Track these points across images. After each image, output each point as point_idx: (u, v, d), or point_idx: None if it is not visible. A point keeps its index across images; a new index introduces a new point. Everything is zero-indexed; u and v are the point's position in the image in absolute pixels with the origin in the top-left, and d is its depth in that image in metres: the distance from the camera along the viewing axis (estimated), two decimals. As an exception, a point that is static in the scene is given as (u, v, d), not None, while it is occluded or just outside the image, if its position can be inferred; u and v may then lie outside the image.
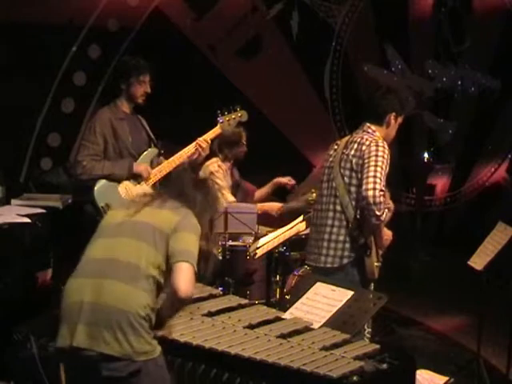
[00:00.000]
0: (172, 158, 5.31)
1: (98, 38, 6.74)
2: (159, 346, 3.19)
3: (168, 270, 3.21)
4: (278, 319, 3.73)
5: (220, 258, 5.62)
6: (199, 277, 3.32)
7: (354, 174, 4.50)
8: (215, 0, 7.45)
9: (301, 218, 5.57)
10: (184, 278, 3.13)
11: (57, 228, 5.25)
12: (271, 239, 5.67)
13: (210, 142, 5.38)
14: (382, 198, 4.33)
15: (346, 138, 4.71)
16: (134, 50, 6.61)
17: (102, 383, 3.13)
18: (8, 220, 4.92)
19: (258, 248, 5.70)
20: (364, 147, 4.50)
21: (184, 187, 3.43)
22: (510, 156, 9.35)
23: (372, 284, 4.64)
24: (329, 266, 4.56)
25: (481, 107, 9.23)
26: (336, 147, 4.71)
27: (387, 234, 4.65)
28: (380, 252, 4.65)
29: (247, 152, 6.15)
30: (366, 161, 4.43)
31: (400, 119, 4.68)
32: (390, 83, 8.85)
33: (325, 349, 3.35)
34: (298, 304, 3.87)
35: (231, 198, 5.96)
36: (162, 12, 7.12)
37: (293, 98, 8.03)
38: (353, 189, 4.49)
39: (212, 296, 3.99)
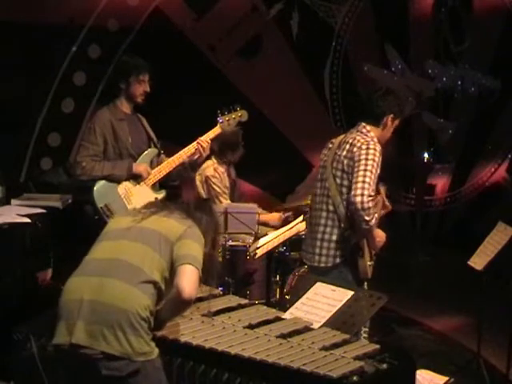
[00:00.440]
0: (172, 158, 5.31)
1: (98, 38, 6.73)
2: (157, 348, 3.20)
3: (171, 278, 3.22)
4: (278, 319, 3.73)
5: (220, 259, 5.63)
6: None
7: (345, 175, 4.53)
8: (215, 0, 7.45)
9: (301, 218, 5.58)
10: (188, 280, 3.15)
11: (57, 228, 5.25)
12: (271, 239, 5.67)
13: (210, 141, 5.38)
14: (370, 204, 4.37)
15: (340, 138, 4.72)
16: (134, 49, 6.60)
17: (99, 382, 3.13)
18: (8, 220, 4.92)
19: (257, 248, 5.70)
20: (355, 149, 4.52)
21: (188, 209, 3.44)
22: (510, 156, 9.35)
23: (365, 283, 4.65)
24: (322, 265, 4.61)
25: (481, 107, 9.23)
26: (330, 146, 4.72)
27: (380, 236, 4.66)
28: (373, 251, 4.67)
29: (247, 152, 6.14)
30: (357, 164, 4.46)
31: (397, 121, 4.69)
32: (390, 83, 8.86)
33: (325, 349, 3.35)
34: (298, 304, 3.87)
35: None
36: (162, 12, 7.11)
37: (293, 98, 8.03)
38: (344, 190, 4.51)
39: (212, 296, 3.99)
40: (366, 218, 4.38)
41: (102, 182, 5.13)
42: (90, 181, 5.13)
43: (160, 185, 5.34)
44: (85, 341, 3.08)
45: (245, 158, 6.14)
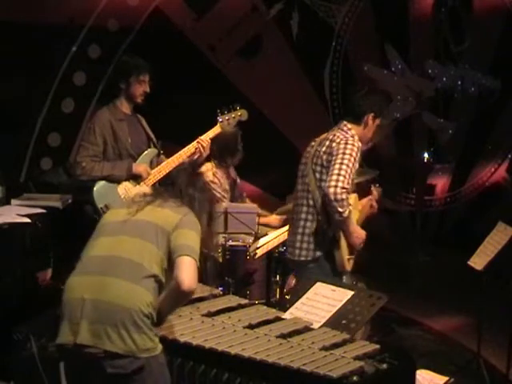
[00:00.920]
0: (171, 158, 5.30)
1: (98, 38, 6.73)
2: (160, 344, 3.20)
3: (170, 268, 3.22)
4: (278, 319, 3.73)
5: (220, 260, 5.63)
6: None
7: (324, 170, 4.59)
8: (215, 0, 7.44)
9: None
10: (187, 272, 3.15)
11: (57, 228, 5.25)
12: (271, 239, 5.68)
13: (210, 141, 5.38)
14: (344, 195, 4.41)
15: (323, 136, 4.78)
16: (134, 49, 6.60)
17: (105, 380, 3.14)
18: (8, 220, 4.92)
19: (258, 248, 5.71)
20: (334, 144, 4.60)
21: (181, 188, 3.45)
22: (510, 156, 9.35)
23: (344, 277, 4.68)
24: (302, 258, 4.69)
25: (481, 107, 9.22)
26: (313, 144, 4.80)
27: (357, 232, 4.69)
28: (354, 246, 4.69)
29: (247, 152, 6.14)
30: (334, 158, 4.54)
31: (378, 121, 4.77)
32: (390, 83, 8.87)
33: (325, 349, 3.35)
34: (298, 304, 3.88)
35: None
36: (162, 12, 7.11)
37: (293, 98, 8.03)
38: (323, 184, 4.57)
39: (212, 296, 3.99)
40: (339, 210, 4.43)
41: (101, 183, 5.13)
42: (89, 181, 5.13)
43: (160, 185, 5.33)
44: (89, 340, 3.09)
45: (245, 158, 6.13)
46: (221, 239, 5.68)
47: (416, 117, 9.08)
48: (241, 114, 5.48)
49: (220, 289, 4.89)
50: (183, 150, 5.32)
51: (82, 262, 3.28)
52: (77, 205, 5.36)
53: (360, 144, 4.65)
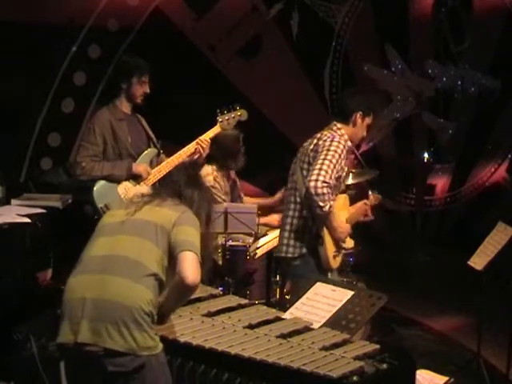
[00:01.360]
0: (171, 158, 5.30)
1: (98, 38, 6.73)
2: (161, 343, 3.21)
3: (170, 266, 3.23)
4: (278, 319, 3.73)
5: (220, 262, 5.63)
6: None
7: (310, 168, 4.61)
8: (215, 0, 7.44)
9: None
10: (190, 266, 3.16)
11: (57, 228, 5.25)
12: (271, 239, 5.68)
13: (209, 141, 5.37)
14: (325, 190, 4.42)
15: (314, 135, 4.81)
16: (134, 49, 6.60)
17: (106, 378, 3.15)
18: (8, 220, 4.91)
19: (258, 248, 5.71)
20: (320, 142, 4.65)
21: (180, 186, 3.46)
22: (510, 156, 9.35)
23: (329, 274, 4.68)
24: (290, 255, 4.72)
25: (481, 107, 9.23)
26: (305, 144, 4.82)
27: (342, 227, 4.69)
28: (340, 242, 4.70)
29: (247, 152, 6.13)
30: (318, 154, 4.58)
31: (368, 120, 4.80)
32: (390, 83, 8.87)
33: (325, 349, 3.35)
34: (298, 304, 3.88)
35: None
36: (162, 12, 7.11)
37: (293, 98, 8.03)
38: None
39: (212, 296, 3.99)
40: (320, 204, 4.44)
41: (101, 182, 5.13)
42: (89, 181, 5.13)
43: (159, 184, 5.33)
44: (89, 338, 3.10)
45: (245, 158, 6.13)
46: (221, 239, 5.68)
47: (416, 117, 9.08)
48: (240, 113, 5.47)
49: (220, 289, 4.89)
50: (183, 149, 5.32)
51: (81, 263, 3.29)
52: (77, 205, 5.36)
53: (349, 143, 4.72)
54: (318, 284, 3.97)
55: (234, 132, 5.84)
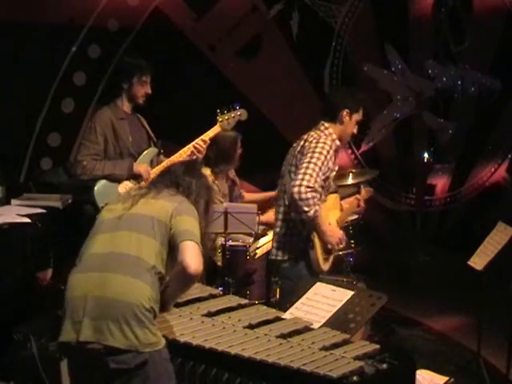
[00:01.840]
0: (171, 158, 5.29)
1: (98, 38, 6.73)
2: (163, 339, 3.21)
3: (171, 258, 3.24)
4: (278, 319, 3.73)
5: (218, 262, 5.63)
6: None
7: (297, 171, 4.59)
8: (215, 0, 7.44)
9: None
10: (191, 255, 3.16)
11: (57, 228, 5.25)
12: (271, 239, 5.67)
13: (208, 141, 5.35)
14: (309, 195, 4.40)
15: (301, 137, 4.79)
16: (134, 49, 6.60)
17: (109, 376, 3.15)
18: (8, 220, 4.91)
19: (257, 248, 5.71)
20: (306, 143, 4.62)
21: (177, 176, 3.46)
22: (510, 156, 9.34)
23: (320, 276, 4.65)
24: (279, 258, 4.72)
25: (481, 107, 9.22)
26: (295, 145, 4.80)
27: (331, 231, 4.65)
28: (330, 246, 4.67)
29: (247, 151, 6.13)
30: (304, 157, 4.55)
31: (357, 116, 4.75)
32: (390, 83, 8.86)
33: (325, 349, 3.35)
34: (298, 304, 3.88)
35: None
36: (162, 12, 7.11)
37: (292, 98, 8.03)
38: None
39: (212, 296, 3.99)
40: (305, 209, 4.42)
41: (102, 182, 5.13)
42: (90, 180, 5.13)
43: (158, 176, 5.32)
44: (91, 336, 3.10)
45: (245, 158, 6.13)
46: (221, 239, 5.68)
47: (416, 117, 9.08)
48: (240, 113, 5.46)
49: (220, 289, 4.89)
50: (183, 149, 5.31)
51: (81, 261, 3.30)
52: (77, 205, 5.36)
53: (337, 142, 4.67)
54: (318, 284, 3.97)
55: (233, 134, 5.83)
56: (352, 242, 6.22)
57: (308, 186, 4.40)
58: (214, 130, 5.40)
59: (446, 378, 4.97)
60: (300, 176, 4.44)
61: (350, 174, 6.08)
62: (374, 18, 8.58)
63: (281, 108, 7.90)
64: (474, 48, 9.04)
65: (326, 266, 4.70)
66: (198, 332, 3.46)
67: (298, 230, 4.63)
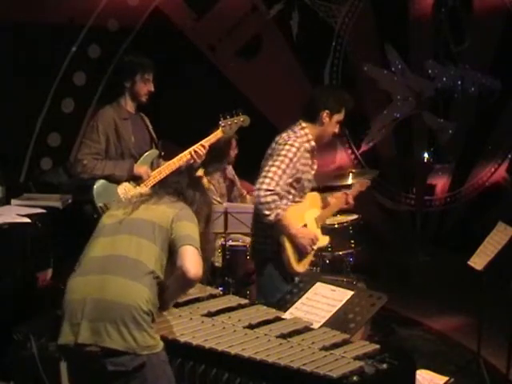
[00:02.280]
0: (172, 161, 5.27)
1: (98, 38, 6.73)
2: (162, 342, 3.21)
3: (170, 263, 3.24)
4: (278, 319, 3.73)
5: (220, 262, 5.63)
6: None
7: None
8: (215, 0, 7.44)
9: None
10: (191, 260, 3.17)
11: (57, 228, 5.25)
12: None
13: (208, 147, 5.31)
14: (269, 198, 4.40)
15: (275, 139, 4.78)
16: (134, 49, 6.60)
17: (107, 378, 3.15)
18: (8, 220, 4.92)
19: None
20: (275, 145, 4.61)
21: (181, 188, 3.47)
22: (510, 156, 9.35)
23: (296, 279, 4.60)
24: (255, 260, 4.77)
25: (481, 107, 9.23)
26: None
27: (301, 233, 4.61)
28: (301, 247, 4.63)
29: (247, 151, 6.13)
30: (269, 159, 4.54)
31: (338, 116, 4.69)
32: (390, 83, 8.87)
33: (325, 349, 3.35)
34: (297, 304, 3.88)
35: None
36: (162, 12, 7.11)
37: (292, 98, 8.02)
38: None
39: (212, 296, 3.99)
40: (265, 212, 4.42)
41: (102, 181, 5.12)
42: (90, 179, 5.11)
43: (160, 186, 5.31)
44: (89, 339, 3.11)
45: (245, 158, 6.13)
46: (221, 239, 5.68)
47: (416, 117, 9.08)
48: (243, 120, 5.38)
49: (220, 289, 4.89)
50: (183, 153, 5.27)
51: (81, 264, 3.30)
52: (77, 205, 5.35)
53: (312, 143, 4.63)
54: (318, 284, 3.97)
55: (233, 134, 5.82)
56: (352, 242, 6.23)
57: (268, 190, 4.39)
58: (216, 136, 5.34)
59: (445, 378, 4.97)
60: (261, 179, 4.44)
61: (350, 174, 6.07)
62: (374, 18, 8.58)
63: (280, 108, 7.90)
64: (474, 48, 9.05)
65: (300, 267, 4.65)
66: (197, 332, 3.46)
67: (268, 232, 4.60)
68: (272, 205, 4.40)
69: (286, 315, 3.79)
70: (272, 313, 3.81)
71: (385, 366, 3.24)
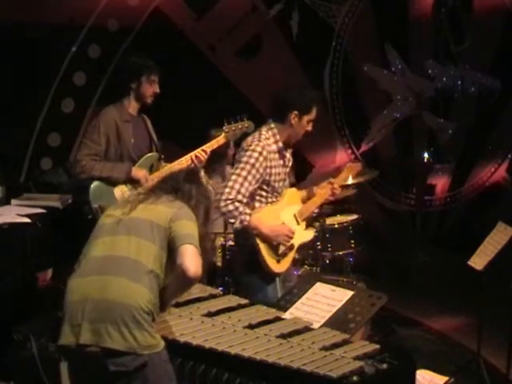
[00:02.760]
0: (172, 164, 5.25)
1: (98, 38, 6.73)
2: (163, 341, 3.22)
3: (170, 262, 3.25)
4: (278, 319, 3.73)
5: (220, 262, 5.62)
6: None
7: None
8: (215, 0, 7.44)
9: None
10: (191, 259, 3.18)
11: (57, 228, 5.24)
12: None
13: (209, 152, 5.30)
14: (230, 207, 4.42)
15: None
16: (134, 49, 6.60)
17: (108, 378, 3.15)
18: (8, 220, 4.92)
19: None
20: (240, 150, 4.61)
21: (178, 182, 3.47)
22: (510, 156, 9.35)
23: (277, 279, 4.62)
24: (237, 262, 4.80)
25: (481, 107, 9.22)
26: None
27: (275, 230, 4.57)
28: (283, 248, 4.62)
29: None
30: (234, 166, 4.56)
31: (308, 117, 4.65)
32: (390, 83, 8.86)
33: (325, 349, 3.35)
34: (297, 304, 3.88)
35: None
36: (162, 12, 7.11)
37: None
38: None
39: (212, 296, 3.99)
40: (231, 221, 4.48)
41: (97, 183, 5.11)
42: (88, 179, 5.11)
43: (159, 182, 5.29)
44: (90, 339, 3.11)
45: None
46: (221, 239, 5.68)
47: (416, 117, 9.08)
48: (248, 125, 5.30)
49: (220, 289, 4.89)
50: (184, 157, 5.26)
51: (81, 264, 3.30)
52: (76, 205, 5.35)
53: (280, 144, 4.61)
54: (318, 284, 3.98)
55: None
56: (352, 241, 6.23)
57: (228, 199, 4.41)
58: (218, 141, 5.31)
59: (445, 378, 4.97)
60: (222, 190, 4.46)
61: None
62: (374, 18, 8.58)
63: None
64: (474, 48, 9.05)
65: (281, 267, 4.63)
66: (197, 332, 3.46)
67: (243, 236, 4.62)
68: (235, 212, 4.42)
69: (286, 315, 3.80)
70: (272, 313, 3.81)
71: (385, 365, 3.24)
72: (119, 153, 5.18)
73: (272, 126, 4.65)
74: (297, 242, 4.72)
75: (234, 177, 4.48)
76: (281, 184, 4.69)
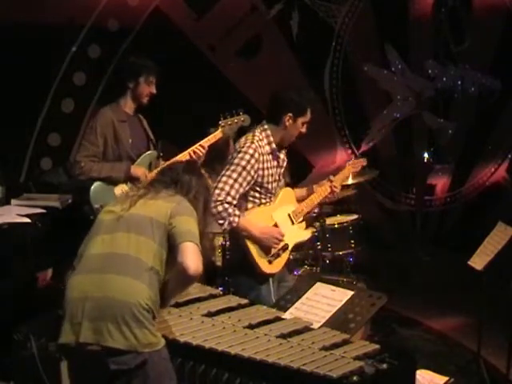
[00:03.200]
0: (170, 162, 5.24)
1: (98, 38, 6.73)
2: (163, 339, 3.22)
3: (170, 258, 3.25)
4: (278, 319, 3.74)
5: (219, 261, 5.62)
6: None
7: None
8: (215, 0, 7.44)
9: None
10: (191, 256, 3.18)
11: (57, 228, 5.24)
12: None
13: (207, 147, 5.31)
14: (219, 208, 4.42)
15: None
16: (134, 49, 6.60)
17: (109, 377, 3.16)
18: (8, 220, 4.92)
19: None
20: (234, 152, 4.59)
21: (177, 174, 3.47)
22: (510, 156, 9.34)
23: (270, 279, 4.60)
24: (230, 264, 4.86)
25: (481, 107, 9.22)
26: None
27: (265, 233, 4.55)
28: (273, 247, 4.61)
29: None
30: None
31: (302, 119, 4.63)
32: (390, 83, 8.86)
33: (325, 349, 3.35)
34: (297, 304, 3.88)
35: None
36: (162, 12, 7.11)
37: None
38: None
39: (212, 296, 3.99)
40: (219, 222, 4.45)
41: (99, 183, 5.12)
42: (88, 180, 5.12)
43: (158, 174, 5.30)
44: (91, 338, 3.11)
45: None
46: (221, 239, 5.67)
47: (416, 117, 9.08)
48: (244, 119, 5.34)
49: (220, 289, 4.89)
50: (182, 153, 5.27)
51: (81, 262, 3.30)
52: (76, 205, 5.35)
53: (273, 146, 4.60)
54: (318, 284, 3.98)
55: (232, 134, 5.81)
56: (352, 242, 6.22)
57: (217, 200, 4.41)
58: (215, 136, 5.33)
59: (445, 378, 4.96)
60: (212, 191, 4.42)
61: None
62: (374, 18, 8.58)
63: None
64: (474, 48, 9.04)
65: (273, 269, 4.61)
66: (197, 332, 3.47)
67: (234, 238, 4.62)
68: (223, 214, 4.41)
69: (286, 315, 3.80)
70: (272, 313, 3.81)
71: (385, 366, 3.24)
72: (117, 153, 5.19)
73: (266, 127, 4.64)
74: (291, 242, 4.71)
75: (224, 178, 4.49)
76: (274, 185, 4.68)
